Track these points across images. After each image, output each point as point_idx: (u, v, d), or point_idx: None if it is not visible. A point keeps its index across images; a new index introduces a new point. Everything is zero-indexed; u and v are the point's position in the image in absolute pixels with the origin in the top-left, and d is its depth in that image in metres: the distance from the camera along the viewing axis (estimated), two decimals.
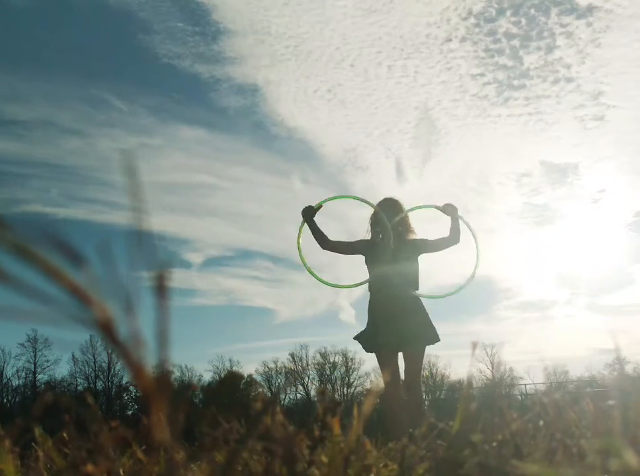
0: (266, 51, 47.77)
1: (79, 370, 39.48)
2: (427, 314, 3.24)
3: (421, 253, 3.35)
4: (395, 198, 3.47)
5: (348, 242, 3.41)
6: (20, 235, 0.37)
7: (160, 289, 0.42)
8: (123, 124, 49.58)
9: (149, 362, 0.43)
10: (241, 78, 51.82)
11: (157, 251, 0.40)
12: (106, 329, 0.41)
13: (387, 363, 3.13)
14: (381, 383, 2.92)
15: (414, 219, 3.48)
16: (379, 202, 3.45)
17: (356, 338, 3.27)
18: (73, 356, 39.20)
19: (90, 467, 0.66)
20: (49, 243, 0.38)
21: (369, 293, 3.33)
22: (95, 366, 39.41)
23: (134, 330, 0.41)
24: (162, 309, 0.43)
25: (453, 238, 3.33)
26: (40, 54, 49.18)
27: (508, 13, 44.69)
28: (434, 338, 3.17)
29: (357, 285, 3.41)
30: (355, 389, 41.77)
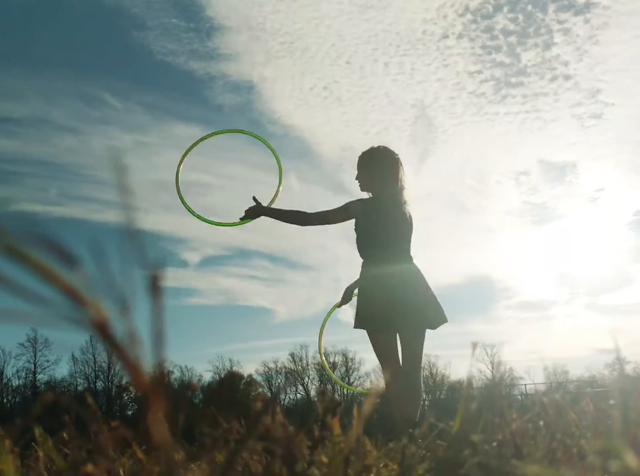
0: (261, 47, 47.83)
1: (78, 370, 39.52)
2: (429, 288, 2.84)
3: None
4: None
5: (340, 208, 2.91)
6: (11, 235, 0.37)
7: (155, 289, 0.42)
8: (117, 121, 49.72)
9: (146, 362, 0.43)
10: (236, 75, 51.84)
11: (149, 250, 0.40)
12: (102, 329, 0.41)
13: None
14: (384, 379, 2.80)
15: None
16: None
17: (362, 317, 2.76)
18: (72, 356, 39.25)
19: (90, 467, 0.66)
20: (40, 244, 0.38)
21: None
22: (95, 366, 39.45)
23: (130, 330, 0.41)
24: (157, 309, 0.42)
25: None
26: (33, 51, 49.28)
27: (505, 9, 44.77)
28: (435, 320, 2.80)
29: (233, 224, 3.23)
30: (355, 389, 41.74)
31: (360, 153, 3.07)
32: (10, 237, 0.37)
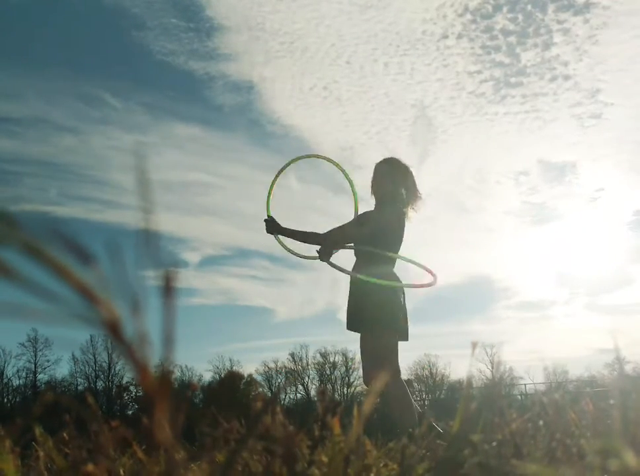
0: (260, 47, 47.78)
1: (79, 370, 39.52)
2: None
3: None
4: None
5: (354, 223, 3.04)
6: (29, 233, 0.37)
7: (167, 290, 0.42)
8: (117, 121, 49.67)
9: (153, 362, 0.43)
10: (236, 75, 51.78)
11: (163, 251, 0.40)
12: (113, 329, 0.41)
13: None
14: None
15: None
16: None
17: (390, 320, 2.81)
18: (73, 355, 39.25)
19: (90, 467, 0.66)
20: (58, 241, 0.38)
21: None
22: (95, 366, 39.45)
23: (140, 330, 0.41)
24: (168, 309, 0.43)
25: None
26: (33, 50, 49.26)
27: (505, 9, 44.78)
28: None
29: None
30: (355, 388, 41.75)
31: (382, 159, 3.17)
32: (27, 234, 0.37)
